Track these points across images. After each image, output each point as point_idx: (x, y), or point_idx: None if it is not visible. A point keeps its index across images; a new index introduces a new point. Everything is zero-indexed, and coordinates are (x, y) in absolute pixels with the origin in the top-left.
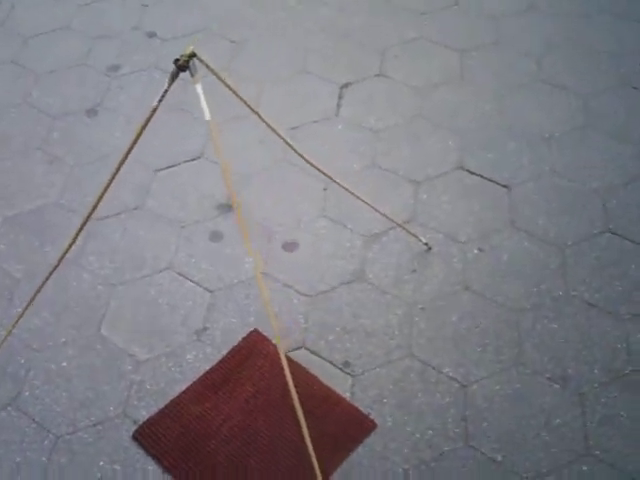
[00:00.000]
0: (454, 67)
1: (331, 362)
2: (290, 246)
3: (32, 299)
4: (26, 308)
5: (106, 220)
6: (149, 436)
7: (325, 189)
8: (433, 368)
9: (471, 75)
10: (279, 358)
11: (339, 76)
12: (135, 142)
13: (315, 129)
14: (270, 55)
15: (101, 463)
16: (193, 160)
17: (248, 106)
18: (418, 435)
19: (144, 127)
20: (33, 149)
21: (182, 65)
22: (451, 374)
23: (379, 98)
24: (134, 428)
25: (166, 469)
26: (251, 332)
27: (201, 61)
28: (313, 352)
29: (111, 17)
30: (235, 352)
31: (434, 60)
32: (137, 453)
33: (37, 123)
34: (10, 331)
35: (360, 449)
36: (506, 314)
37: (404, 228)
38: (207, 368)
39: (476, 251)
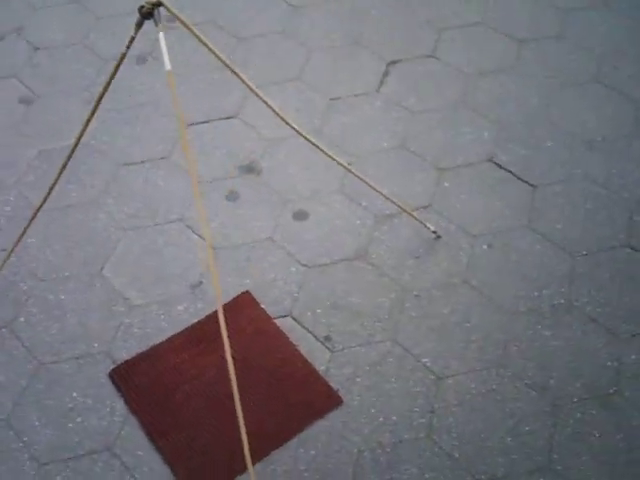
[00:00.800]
0: (509, 57)
1: (313, 334)
2: (301, 215)
3: (27, 225)
4: (23, 233)
5: (131, 166)
6: (123, 377)
7: (350, 163)
8: (412, 356)
9: (524, 67)
10: (265, 324)
11: (389, 52)
12: (105, 89)
13: (353, 102)
14: (325, 21)
15: (74, 394)
16: (228, 118)
17: (221, 60)
18: (381, 419)
19: (114, 74)
20: (79, 89)
21: (146, 12)
22: (429, 364)
23: (424, 79)
24: (112, 367)
25: (133, 411)
26: (243, 293)
27: (168, 10)
28: (298, 321)
29: None
30: (224, 311)
31: (490, 47)
32: (110, 391)
33: (88, 65)
34: (10, 253)
35: (321, 422)
36: (500, 314)
37: (411, 215)
38: (194, 322)
39: (485, 247)
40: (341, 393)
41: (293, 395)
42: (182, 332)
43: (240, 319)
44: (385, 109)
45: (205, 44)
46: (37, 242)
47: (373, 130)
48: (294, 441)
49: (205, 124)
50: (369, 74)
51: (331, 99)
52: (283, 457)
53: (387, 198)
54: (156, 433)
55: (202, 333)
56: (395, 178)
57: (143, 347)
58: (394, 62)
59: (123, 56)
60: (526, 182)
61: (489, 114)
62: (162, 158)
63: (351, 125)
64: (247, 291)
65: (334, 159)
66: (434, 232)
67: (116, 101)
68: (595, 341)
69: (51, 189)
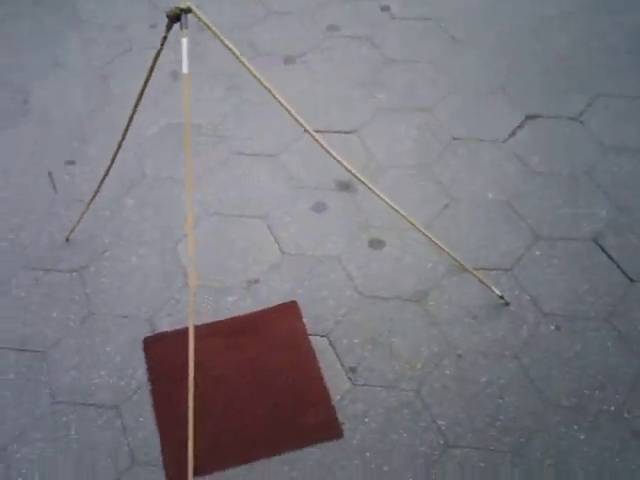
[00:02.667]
0: None
1: (341, 362)
2: (377, 244)
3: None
4: (100, 184)
5: (242, 156)
6: (154, 346)
7: (447, 205)
8: (430, 415)
9: None
10: (300, 337)
11: (532, 105)
12: (146, 83)
13: (475, 146)
14: (479, 59)
15: (108, 348)
16: (346, 133)
17: (247, 68)
18: (373, 466)
19: (152, 69)
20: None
21: (171, 16)
22: (443, 428)
23: (558, 141)
24: (148, 334)
25: (149, 379)
26: (290, 302)
27: (197, 17)
28: (332, 345)
29: None
30: (265, 313)
31: None
32: (139, 356)
33: None
34: (88, 205)
35: (314, 449)
36: (539, 401)
37: (476, 276)
38: (236, 315)
39: (552, 327)
40: (345, 427)
41: (299, 414)
42: (221, 321)
43: (277, 326)
44: (505, 161)
45: (233, 52)
46: (134, 205)
47: (484, 178)
48: (282, 457)
49: (322, 133)
50: (502, 122)
51: (454, 138)
52: (265, 469)
53: (447, 252)
54: (160, 406)
55: (238, 328)
56: (486, 231)
57: (182, 325)
58: (533, 116)
59: (158, 52)
60: (625, 274)
61: (612, 193)
62: (270, 155)
63: (463, 167)
64: (295, 301)
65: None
66: (501, 297)
67: (256, 92)
68: (632, 459)
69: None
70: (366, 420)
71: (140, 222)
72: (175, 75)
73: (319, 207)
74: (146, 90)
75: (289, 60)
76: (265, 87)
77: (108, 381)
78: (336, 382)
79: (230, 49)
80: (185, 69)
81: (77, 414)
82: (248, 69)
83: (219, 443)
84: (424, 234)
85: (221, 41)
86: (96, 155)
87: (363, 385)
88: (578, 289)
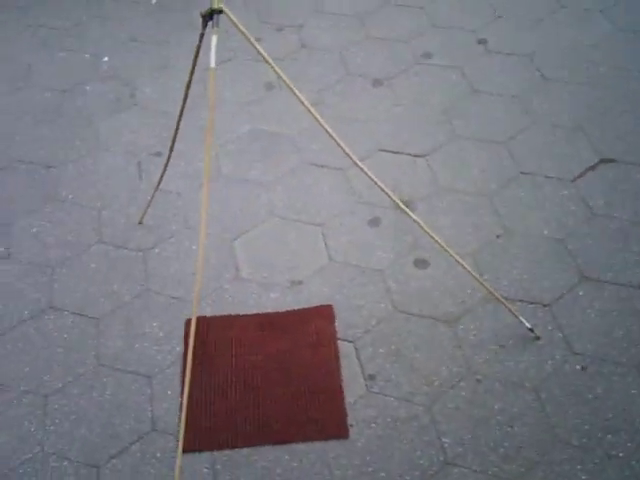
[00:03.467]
0: None
1: (362, 368)
2: (421, 263)
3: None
4: (162, 174)
5: (311, 167)
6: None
7: (498, 236)
8: (436, 430)
9: None
10: (328, 339)
11: (609, 149)
12: (188, 86)
13: (540, 181)
14: (563, 97)
15: (154, 324)
16: (416, 156)
17: (277, 73)
18: (370, 469)
19: (194, 63)
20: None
21: (205, 15)
22: (446, 445)
23: (628, 187)
24: (188, 317)
25: (183, 356)
26: (326, 305)
27: (228, 17)
28: (357, 351)
29: None
30: (300, 313)
31: None
32: (179, 335)
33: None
34: (154, 193)
35: (318, 444)
36: (549, 436)
37: (506, 305)
38: (275, 311)
39: (578, 367)
40: (352, 429)
41: (311, 408)
42: (260, 314)
43: (308, 325)
44: (568, 200)
45: (263, 56)
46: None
47: (543, 214)
48: (286, 447)
49: (393, 154)
50: (575, 162)
51: (522, 172)
52: (269, 454)
53: (476, 277)
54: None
55: (274, 322)
56: (533, 265)
57: (223, 312)
58: (608, 160)
59: (198, 48)
60: None
61: None
62: (339, 169)
63: (524, 201)
64: (331, 305)
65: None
66: (531, 330)
67: (337, 109)
68: None
69: None
70: (373, 425)
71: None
72: (269, 86)
73: (374, 222)
74: (239, 96)
75: (377, 82)
76: (300, 100)
77: (147, 354)
78: (353, 386)
79: (260, 52)
80: (212, 64)
81: (114, 378)
82: (281, 77)
83: (232, 422)
84: (456, 259)
85: (251, 43)
86: (182, 150)
87: (378, 393)
88: (614, 333)
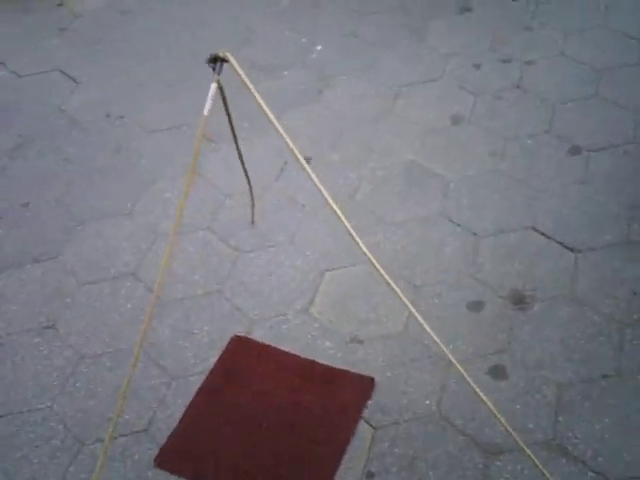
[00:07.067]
0: None
1: (366, 461)
2: (499, 373)
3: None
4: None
5: (451, 226)
6: (234, 346)
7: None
8: None
9: None
10: (352, 417)
11: None
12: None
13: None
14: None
15: (205, 328)
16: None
17: (273, 122)
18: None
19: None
20: None
21: (208, 60)
22: None
23: None
24: (237, 334)
25: (210, 371)
26: (368, 378)
27: (233, 67)
28: (372, 440)
29: None
30: (341, 374)
31: None
32: (221, 346)
33: None
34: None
35: None
36: None
37: (532, 457)
38: (317, 360)
39: None
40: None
41: (295, 476)
42: (300, 358)
43: (341, 390)
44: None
45: (260, 104)
46: (305, 217)
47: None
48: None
49: (495, 236)
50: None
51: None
52: None
53: (509, 431)
54: (200, 396)
55: (310, 373)
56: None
57: (272, 341)
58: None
59: (220, 89)
60: None
61: None
62: (466, 237)
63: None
64: (373, 379)
65: None
66: None
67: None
68: None
69: None
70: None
71: (310, 238)
72: (456, 120)
73: (476, 306)
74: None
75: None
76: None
77: (183, 355)
78: (347, 477)
79: (258, 101)
80: (206, 112)
81: (143, 364)
82: (276, 127)
83: (217, 460)
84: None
85: (251, 92)
86: (334, 159)
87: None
88: None
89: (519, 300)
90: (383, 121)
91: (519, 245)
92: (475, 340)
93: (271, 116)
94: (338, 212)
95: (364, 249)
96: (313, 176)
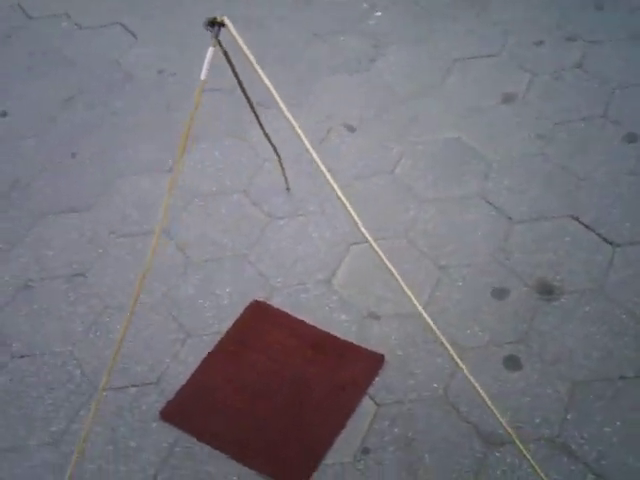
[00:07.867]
0: None
1: (364, 436)
2: (514, 364)
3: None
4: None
5: (484, 208)
6: (252, 310)
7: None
8: None
9: None
10: (357, 392)
11: None
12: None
13: None
14: None
15: (227, 289)
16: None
17: (271, 91)
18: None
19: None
20: None
21: (206, 24)
22: None
23: None
24: (256, 299)
25: (225, 333)
26: (378, 355)
27: (229, 31)
28: (374, 417)
29: None
30: (353, 348)
31: None
32: (240, 309)
33: None
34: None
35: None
36: None
37: (523, 451)
38: (333, 333)
39: None
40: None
41: (288, 447)
42: (316, 329)
43: (351, 365)
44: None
45: (257, 70)
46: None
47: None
48: (241, 467)
49: (530, 223)
50: None
51: None
52: (221, 465)
53: (500, 421)
54: (212, 355)
55: (323, 345)
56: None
57: (290, 308)
58: None
59: (225, 54)
60: None
61: None
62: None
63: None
64: (383, 356)
65: None
66: None
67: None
68: None
69: None
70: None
71: (340, 210)
72: (507, 98)
73: (500, 294)
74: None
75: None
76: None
77: (201, 314)
78: (342, 450)
79: (261, 76)
80: (203, 76)
81: (162, 318)
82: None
83: (216, 417)
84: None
85: (250, 63)
86: (378, 131)
87: (360, 469)
88: None
89: (546, 291)
90: (432, 95)
91: (555, 234)
92: (494, 328)
93: (268, 83)
94: (343, 199)
95: (365, 234)
96: (319, 162)
